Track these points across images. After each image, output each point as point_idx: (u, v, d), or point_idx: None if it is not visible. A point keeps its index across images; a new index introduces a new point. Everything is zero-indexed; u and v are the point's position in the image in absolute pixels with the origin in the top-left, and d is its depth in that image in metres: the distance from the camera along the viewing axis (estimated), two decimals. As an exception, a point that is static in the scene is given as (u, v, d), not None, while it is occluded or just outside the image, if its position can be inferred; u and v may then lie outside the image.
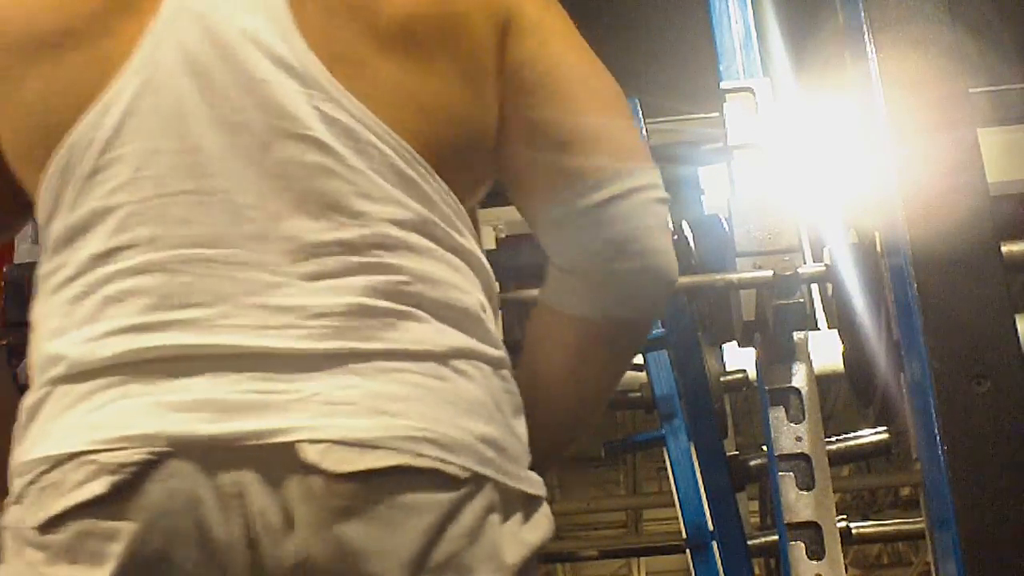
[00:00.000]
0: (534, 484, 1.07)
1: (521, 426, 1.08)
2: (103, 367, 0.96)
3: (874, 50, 1.47)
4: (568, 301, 1.14)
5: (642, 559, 11.10)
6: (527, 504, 1.06)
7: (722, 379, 2.88)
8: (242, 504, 0.94)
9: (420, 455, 0.96)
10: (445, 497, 0.97)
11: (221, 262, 0.97)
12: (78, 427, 0.96)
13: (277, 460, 0.93)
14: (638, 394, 3.24)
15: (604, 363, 1.20)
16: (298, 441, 0.93)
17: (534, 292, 1.61)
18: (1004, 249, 1.42)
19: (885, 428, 2.51)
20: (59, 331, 0.99)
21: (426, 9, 1.05)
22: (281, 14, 1.02)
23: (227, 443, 0.93)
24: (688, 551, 3.12)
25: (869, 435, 2.57)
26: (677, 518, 3.23)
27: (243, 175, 0.99)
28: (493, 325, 1.08)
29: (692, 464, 2.95)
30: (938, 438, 1.34)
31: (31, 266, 2.21)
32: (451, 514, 0.97)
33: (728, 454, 2.81)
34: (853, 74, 1.55)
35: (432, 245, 1.03)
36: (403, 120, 1.02)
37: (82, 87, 1.01)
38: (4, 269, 2.23)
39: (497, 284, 1.15)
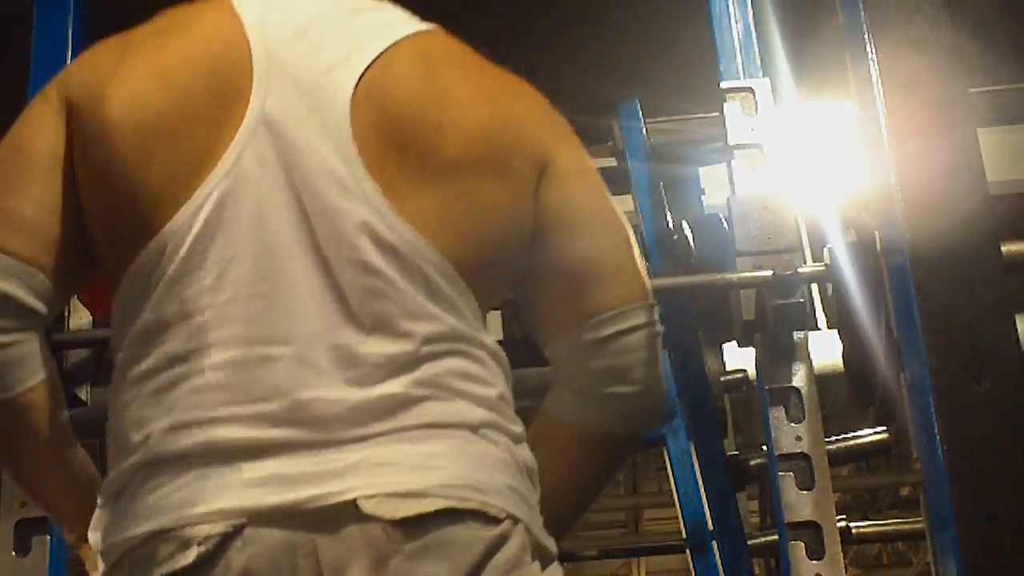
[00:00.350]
0: (551, 541, 1.20)
1: (538, 492, 1.21)
2: (182, 455, 1.09)
3: (873, 50, 1.47)
4: (569, 412, 1.30)
5: (642, 559, 11.10)
6: (544, 558, 1.18)
7: (722, 379, 2.88)
8: (314, 558, 1.07)
9: (463, 499, 1.10)
10: (488, 533, 1.10)
11: (285, 359, 1.11)
12: (163, 507, 1.09)
13: (340, 516, 1.07)
14: (638, 394, 3.23)
15: (596, 469, 1.36)
16: (356, 498, 1.07)
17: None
18: (1004, 249, 1.42)
19: (885, 428, 2.51)
20: (141, 421, 1.12)
21: (475, 152, 1.18)
22: (346, 142, 1.15)
23: (295, 508, 1.07)
24: (688, 551, 3.12)
25: (869, 435, 2.57)
26: (677, 518, 3.23)
27: (307, 287, 1.12)
28: (512, 410, 1.22)
29: (692, 464, 2.95)
30: (938, 438, 1.34)
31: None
32: (493, 549, 1.10)
33: (728, 454, 2.81)
34: (853, 74, 1.55)
35: (463, 347, 1.17)
36: (445, 244, 1.16)
37: (171, 187, 1.13)
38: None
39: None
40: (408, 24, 1.25)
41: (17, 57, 2.44)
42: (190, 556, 1.06)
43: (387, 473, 1.09)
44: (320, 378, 1.10)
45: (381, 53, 1.19)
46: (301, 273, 1.12)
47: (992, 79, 4.68)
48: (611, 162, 3.24)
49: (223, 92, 1.16)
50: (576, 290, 1.26)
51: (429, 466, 1.10)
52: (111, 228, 1.17)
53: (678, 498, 3.14)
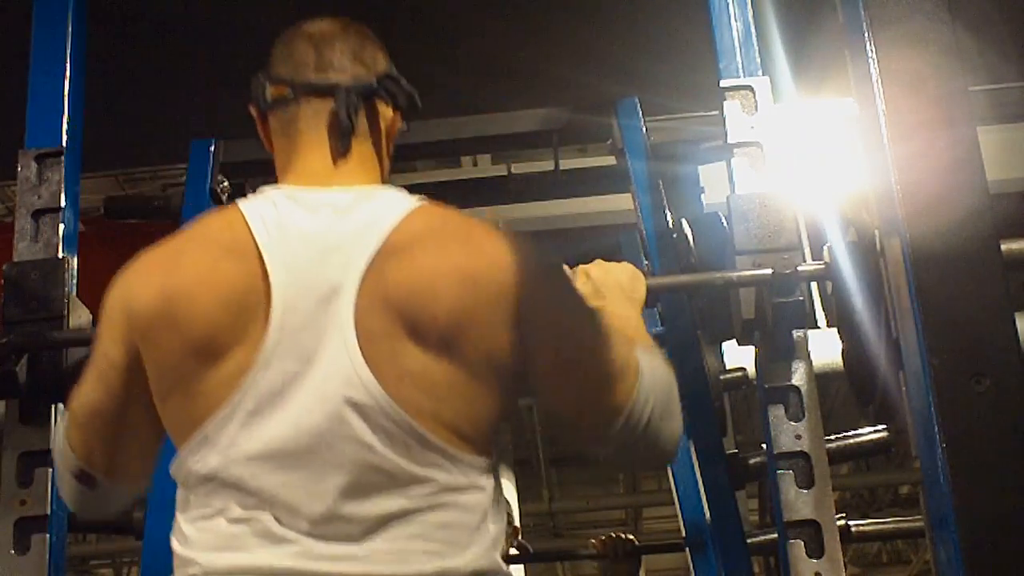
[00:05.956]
0: None
1: None
2: (223, 571, 1.42)
3: (874, 48, 1.47)
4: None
5: (641, 557, 11.09)
6: None
7: (721, 377, 2.88)
8: None
9: None
10: None
11: (300, 522, 1.41)
12: None
13: None
14: (638, 392, 3.24)
15: None
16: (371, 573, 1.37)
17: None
18: (1004, 247, 1.42)
19: (884, 426, 2.51)
20: (200, 545, 1.45)
21: (462, 331, 1.41)
22: (351, 342, 1.41)
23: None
24: (687, 549, 3.13)
25: (868, 433, 2.57)
26: (676, 516, 3.23)
27: (319, 472, 1.41)
28: (498, 539, 1.45)
29: (691, 462, 2.95)
30: (937, 436, 1.34)
31: (31, 264, 2.22)
32: None
33: (727, 452, 2.81)
34: (852, 72, 1.55)
35: (450, 499, 1.42)
36: (441, 405, 1.41)
37: (214, 394, 1.44)
38: (4, 268, 2.22)
39: None
40: (394, 208, 1.47)
41: (16, 56, 2.44)
42: None
43: (393, 561, 1.38)
44: (324, 535, 1.40)
45: (375, 255, 1.43)
46: (316, 459, 1.40)
47: (992, 77, 4.68)
48: (611, 160, 3.24)
49: (248, 314, 1.43)
50: (579, 411, 1.47)
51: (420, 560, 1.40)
52: (176, 423, 1.49)
53: (677, 497, 3.15)
